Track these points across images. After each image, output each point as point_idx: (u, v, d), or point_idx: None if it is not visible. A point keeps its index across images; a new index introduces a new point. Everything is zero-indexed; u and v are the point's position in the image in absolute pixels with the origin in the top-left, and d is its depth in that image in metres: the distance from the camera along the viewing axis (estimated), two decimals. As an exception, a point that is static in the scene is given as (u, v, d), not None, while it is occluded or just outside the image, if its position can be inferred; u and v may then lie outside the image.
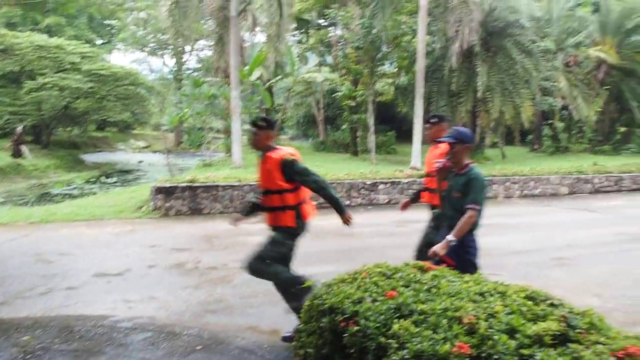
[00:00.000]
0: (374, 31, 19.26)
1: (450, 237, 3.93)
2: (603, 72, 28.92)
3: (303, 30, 30.84)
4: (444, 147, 4.68)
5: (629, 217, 11.86)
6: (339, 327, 2.71)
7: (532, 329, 2.19)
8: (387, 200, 12.87)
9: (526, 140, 33.65)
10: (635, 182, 17.16)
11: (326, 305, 2.92)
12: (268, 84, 24.10)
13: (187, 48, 47.04)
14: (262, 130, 4.43)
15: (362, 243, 8.56)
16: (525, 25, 19.55)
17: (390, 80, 26.73)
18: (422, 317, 2.49)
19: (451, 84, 20.08)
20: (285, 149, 4.50)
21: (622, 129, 32.33)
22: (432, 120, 5.28)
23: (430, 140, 5.23)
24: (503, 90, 20.22)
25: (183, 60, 49.83)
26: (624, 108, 31.23)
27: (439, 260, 3.89)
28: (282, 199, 4.34)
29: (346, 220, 4.45)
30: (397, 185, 13.06)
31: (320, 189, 4.32)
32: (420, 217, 10.84)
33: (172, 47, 46.87)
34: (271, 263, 4.32)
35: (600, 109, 29.12)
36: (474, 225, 4.08)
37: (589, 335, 2.16)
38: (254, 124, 4.51)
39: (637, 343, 2.03)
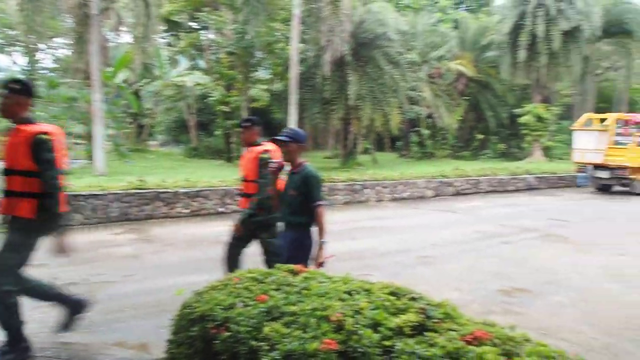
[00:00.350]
0: (248, 37, 19.23)
1: (322, 239, 4.12)
2: (462, 84, 31.34)
3: (173, 33, 29.99)
4: (257, 150, 4.95)
5: (485, 216, 12.90)
6: (210, 335, 2.68)
7: (394, 321, 2.32)
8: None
9: (396, 146, 35.43)
10: (491, 185, 18.71)
11: (196, 314, 2.87)
12: (135, 87, 23.11)
13: (42, 46, 43.52)
14: (15, 95, 3.69)
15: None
16: (392, 38, 20.58)
17: (265, 87, 26.90)
18: (292, 318, 2.53)
19: (324, 91, 20.61)
20: (47, 126, 3.84)
21: (480, 136, 35.19)
22: (244, 124, 5.21)
23: (244, 143, 5.26)
24: (373, 98, 21.12)
25: (36, 59, 46.03)
26: (481, 117, 34.07)
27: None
28: (25, 183, 3.68)
29: (58, 246, 3.88)
30: (272, 191, 13.12)
31: (51, 189, 3.71)
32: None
33: (23, 44, 43.14)
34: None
35: (460, 118, 31.49)
36: (312, 220, 4.25)
37: (444, 324, 2.33)
38: (4, 85, 3.73)
39: (484, 328, 2.22)
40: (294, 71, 15.86)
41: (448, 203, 15.48)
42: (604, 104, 43.77)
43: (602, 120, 20.21)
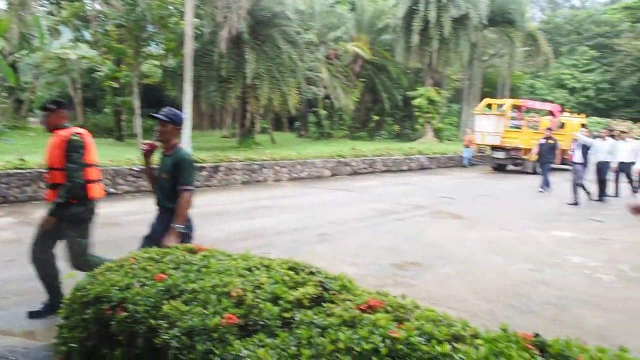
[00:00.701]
0: (139, 9, 18.28)
1: (176, 225, 3.99)
2: (359, 65, 32.04)
3: (54, 1, 27.79)
4: (63, 134, 4.41)
5: (379, 195, 13.36)
6: (106, 316, 2.59)
7: (293, 294, 2.37)
8: (157, 187, 12.47)
9: (294, 126, 35.67)
10: (386, 164, 19.39)
11: (90, 296, 2.76)
12: (11, 58, 21.33)
13: None
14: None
15: (131, 232, 8.14)
16: (290, 17, 20.53)
17: (158, 63, 25.85)
18: (192, 295, 2.51)
19: (221, 69, 20.19)
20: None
21: (376, 118, 36.27)
22: (49, 106, 4.55)
23: (48, 128, 4.58)
24: (271, 78, 21.03)
25: None
26: (377, 99, 35.07)
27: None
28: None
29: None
30: (168, 170, 12.75)
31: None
32: (201, 203, 10.83)
33: None
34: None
35: (357, 99, 32.21)
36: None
37: (341, 295, 2.41)
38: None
39: (378, 297, 2.33)
40: (189, 47, 15.35)
41: (345, 182, 15.84)
42: (490, 88, 46.67)
43: (500, 105, 22.45)
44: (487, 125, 20.98)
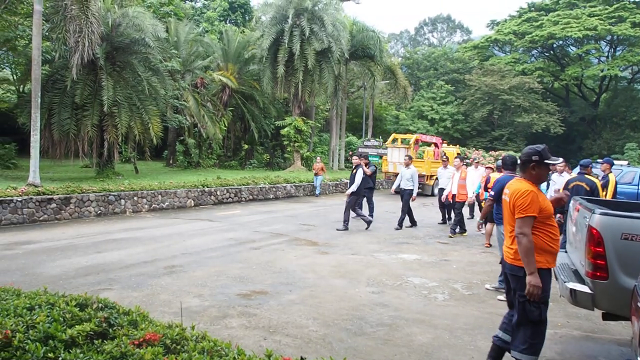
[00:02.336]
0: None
1: None
2: (227, 95, 31.97)
3: None
4: None
5: (241, 224, 13.26)
6: None
7: (68, 332, 2.22)
8: (-5, 222, 11.42)
9: (163, 155, 34.61)
10: (252, 193, 19.35)
11: None
12: None
13: None
14: None
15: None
16: (150, 44, 19.99)
17: (13, 87, 23.93)
18: (-45, 341, 2.27)
19: (75, 95, 19.10)
20: None
21: (246, 146, 36.26)
22: None
23: None
24: (131, 105, 20.25)
25: None
26: (247, 128, 35.12)
27: None
28: None
29: None
30: (8, 204, 11.71)
31: None
32: (36, 238, 10.04)
33: None
34: None
35: (226, 128, 32.02)
36: None
37: (122, 330, 2.30)
38: None
39: (159, 330, 2.25)
40: (37, 72, 14.35)
41: (208, 212, 15.57)
42: (358, 118, 48.80)
43: (403, 140, 27.80)
44: (398, 156, 24.49)
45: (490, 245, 10.87)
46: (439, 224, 14.49)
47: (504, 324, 4.45)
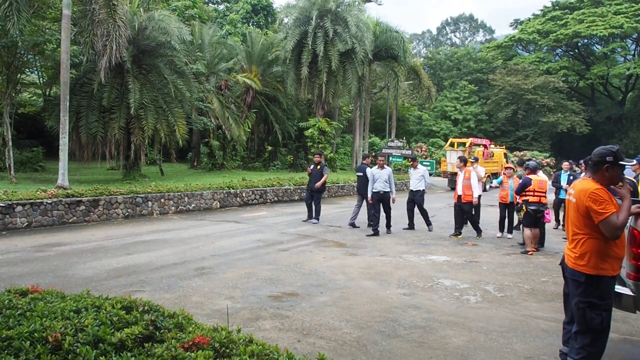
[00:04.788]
0: (13, 35, 17.07)
1: None
2: (251, 97, 32.10)
3: None
4: None
5: (268, 225, 13.27)
6: None
7: (117, 336, 2.21)
8: (26, 224, 11.58)
9: (187, 157, 34.92)
10: (277, 195, 19.39)
11: None
12: None
13: None
14: None
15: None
16: (176, 47, 20.18)
17: (40, 91, 24.28)
18: (5, 343, 2.28)
19: (102, 99, 19.36)
20: None
21: (270, 148, 36.38)
22: None
23: None
24: (157, 108, 20.45)
25: None
26: (270, 129, 35.24)
27: None
28: None
29: None
30: (39, 206, 11.89)
31: None
32: (66, 240, 10.15)
33: None
34: None
35: (250, 130, 32.16)
36: None
37: (170, 333, 2.28)
38: None
39: (206, 334, 2.23)
40: (65, 75, 14.53)
41: (234, 214, 15.62)
42: (381, 119, 48.67)
43: (461, 144, 31.07)
44: (454, 158, 27.14)
45: (537, 250, 10.57)
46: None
47: (564, 336, 4.28)
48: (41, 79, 27.60)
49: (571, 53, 57.99)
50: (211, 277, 7.59)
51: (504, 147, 36.00)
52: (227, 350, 2.09)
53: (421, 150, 46.65)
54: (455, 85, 60.40)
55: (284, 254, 9.48)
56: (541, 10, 59.41)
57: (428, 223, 13.27)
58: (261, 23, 48.67)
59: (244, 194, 17.97)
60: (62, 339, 2.21)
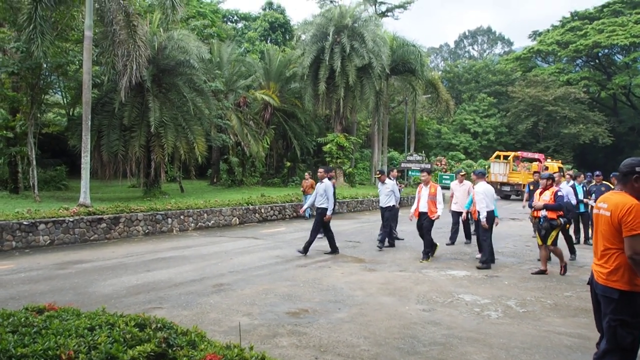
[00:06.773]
0: (38, 57, 17.50)
1: None
2: (269, 113, 32.35)
3: None
4: None
5: (286, 241, 13.27)
6: None
7: (129, 353, 2.22)
8: (49, 242, 11.75)
9: (207, 174, 35.20)
10: (295, 211, 19.37)
11: None
12: None
13: None
14: None
15: (10, 292, 7.58)
16: (195, 66, 20.46)
17: (63, 111, 24.72)
18: (21, 361, 2.30)
19: (123, 117, 19.68)
20: None
21: (288, 164, 36.51)
22: None
23: None
24: (177, 125, 20.72)
25: None
26: (289, 145, 35.42)
27: None
28: None
29: None
30: (61, 224, 12.06)
31: None
32: (87, 258, 10.25)
33: None
34: None
35: (268, 146, 32.36)
36: None
37: (182, 351, 2.28)
38: None
39: (218, 351, 2.22)
40: (87, 95, 14.83)
41: (253, 230, 15.65)
42: (399, 133, 48.59)
43: (505, 157, 34.70)
44: (499, 169, 33.20)
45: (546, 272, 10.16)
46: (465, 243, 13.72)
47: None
48: (65, 99, 28.17)
49: (592, 63, 57.44)
50: (229, 293, 7.59)
51: (559, 161, 36.06)
52: (238, 368, 2.08)
53: (441, 164, 46.35)
54: (474, 98, 60.13)
55: (302, 270, 9.45)
56: (560, 21, 59.07)
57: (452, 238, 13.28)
58: (279, 40, 49.14)
59: (262, 210, 18.01)
60: (75, 357, 2.22)
